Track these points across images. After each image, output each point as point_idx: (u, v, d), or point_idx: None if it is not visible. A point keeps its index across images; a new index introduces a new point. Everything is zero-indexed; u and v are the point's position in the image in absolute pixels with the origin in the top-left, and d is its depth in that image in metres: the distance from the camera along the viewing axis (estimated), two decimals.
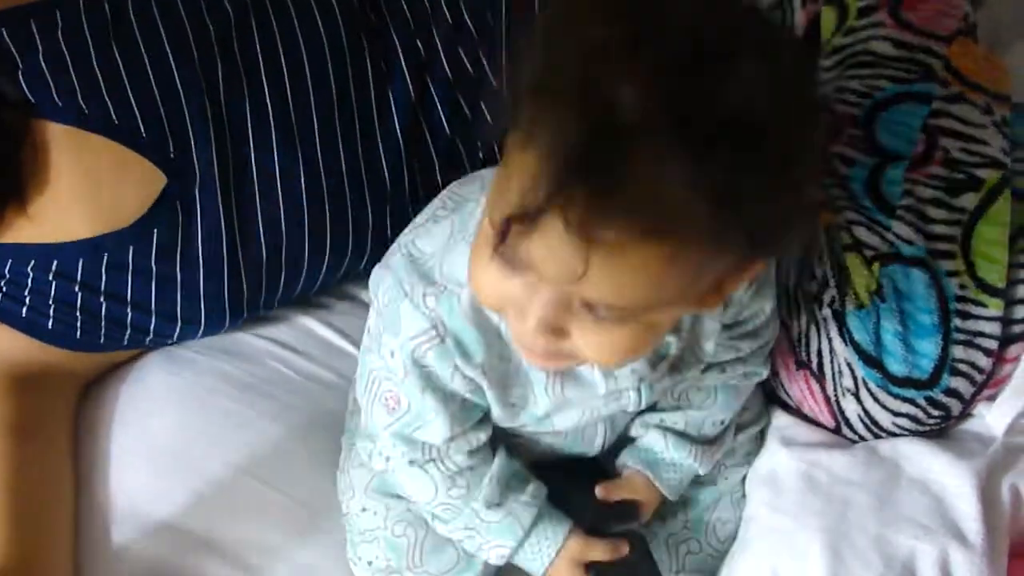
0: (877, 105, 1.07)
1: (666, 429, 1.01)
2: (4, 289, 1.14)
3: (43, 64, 1.08)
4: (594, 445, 1.02)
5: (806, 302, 1.05)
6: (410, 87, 1.16)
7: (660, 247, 0.66)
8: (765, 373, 1.03)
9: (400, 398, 0.92)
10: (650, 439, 1.01)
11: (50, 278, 1.13)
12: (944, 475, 1.01)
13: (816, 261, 1.05)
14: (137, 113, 1.09)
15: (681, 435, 1.00)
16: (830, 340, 1.04)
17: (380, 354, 0.91)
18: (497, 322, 0.86)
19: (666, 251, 0.67)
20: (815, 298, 1.05)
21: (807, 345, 1.05)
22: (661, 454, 1.01)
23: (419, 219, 0.94)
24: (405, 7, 1.18)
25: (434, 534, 1.02)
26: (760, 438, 1.09)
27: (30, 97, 1.09)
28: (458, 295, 0.85)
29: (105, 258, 1.13)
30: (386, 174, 1.17)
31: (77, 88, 1.08)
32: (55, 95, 1.08)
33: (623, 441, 1.04)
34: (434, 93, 1.17)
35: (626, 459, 1.02)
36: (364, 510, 1.05)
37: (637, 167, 0.63)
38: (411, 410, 0.91)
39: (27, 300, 1.14)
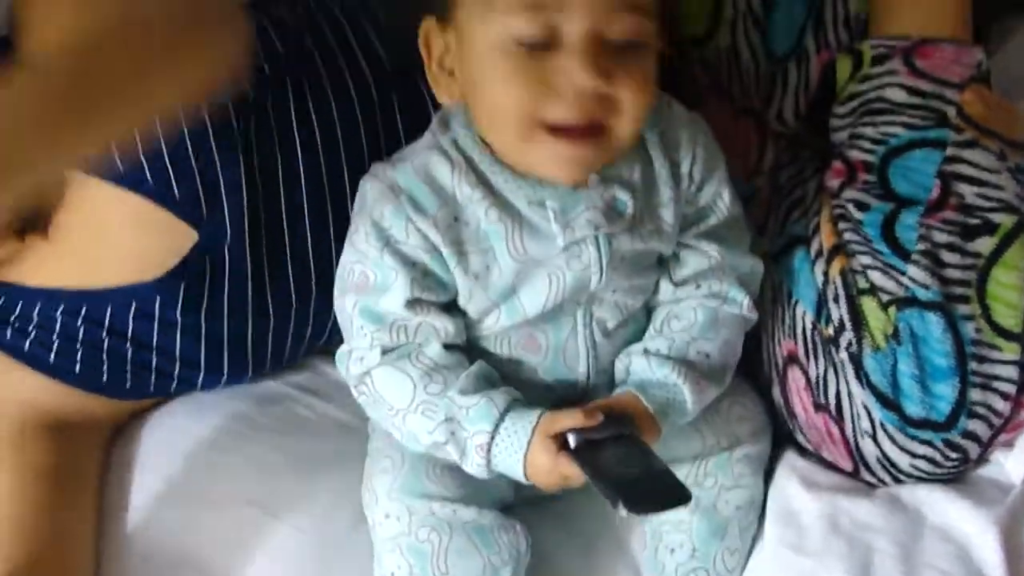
0: (891, 152, 1.08)
1: (648, 352, 1.00)
2: (33, 334, 1.15)
3: None
4: (578, 368, 1.01)
5: (824, 345, 1.06)
6: None
7: None
8: (743, 302, 1.01)
9: (367, 273, 0.96)
10: (635, 364, 1.00)
11: (79, 323, 1.14)
12: (966, 523, 1.01)
13: (833, 305, 1.06)
14: (171, 172, 1.09)
15: (664, 356, 0.99)
16: (848, 383, 1.05)
17: (350, 242, 0.97)
18: (451, 187, 0.94)
19: None
20: (832, 341, 1.05)
21: (825, 389, 1.06)
22: (645, 374, 0.98)
23: None
24: None
25: (459, 538, 0.99)
26: (755, 462, 1.08)
27: None
28: (411, 161, 0.96)
29: (133, 307, 1.14)
30: None
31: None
32: None
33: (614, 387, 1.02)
34: None
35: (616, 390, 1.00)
36: (387, 516, 1.02)
37: None
38: (375, 276, 0.95)
39: (55, 345, 1.15)
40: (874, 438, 1.04)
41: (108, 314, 1.13)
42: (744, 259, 1.03)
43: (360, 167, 1.10)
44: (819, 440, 1.08)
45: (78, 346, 1.14)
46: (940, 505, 1.03)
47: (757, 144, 1.18)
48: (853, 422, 1.05)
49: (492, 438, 0.93)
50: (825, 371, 1.06)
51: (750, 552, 1.08)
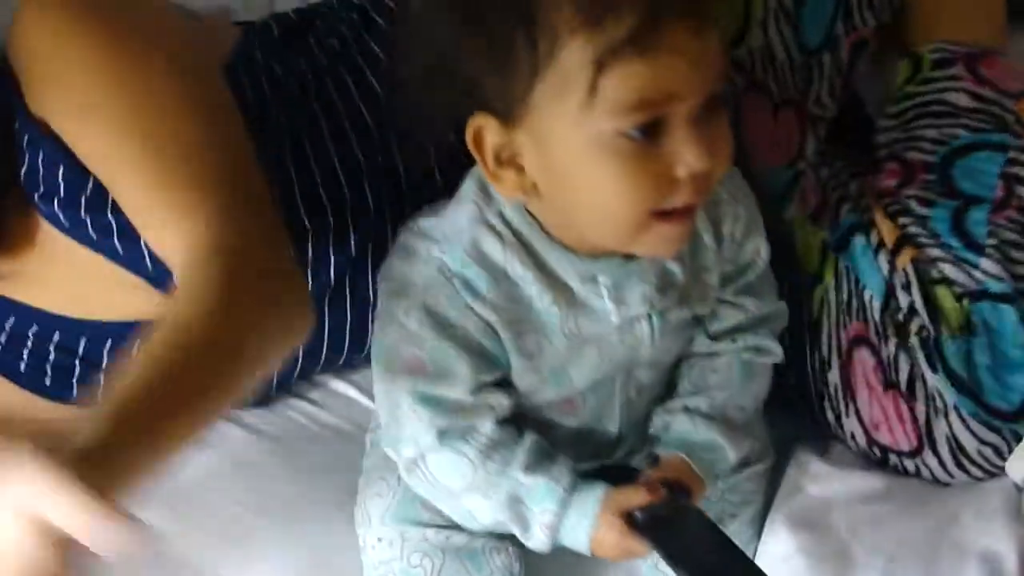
0: (954, 152, 1.12)
1: (690, 411, 0.99)
2: (3, 343, 1.11)
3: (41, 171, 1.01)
4: (611, 425, 1.01)
5: (895, 328, 1.07)
6: None
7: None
8: (777, 352, 1.03)
9: (422, 359, 0.91)
10: (678, 424, 0.99)
11: (50, 348, 1.10)
12: (987, 535, 1.03)
13: (902, 293, 1.08)
14: (145, 253, 1.03)
15: (707, 416, 0.99)
16: (920, 367, 1.06)
17: (396, 323, 0.92)
18: (503, 263, 0.90)
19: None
20: (902, 327, 1.07)
21: (897, 369, 1.07)
22: (691, 436, 0.98)
23: None
24: None
25: (451, 563, 0.98)
26: (762, 479, 1.08)
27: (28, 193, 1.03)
28: (460, 241, 0.90)
29: (109, 343, 1.09)
30: None
31: (87, 221, 1.02)
32: (56, 208, 1.02)
33: (645, 440, 1.02)
34: None
35: (659, 449, 1.00)
36: (380, 540, 1.01)
37: None
38: (433, 363, 0.91)
39: (25, 359, 1.11)
40: (947, 418, 1.06)
41: (81, 345, 1.10)
42: (774, 306, 1.04)
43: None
44: (880, 419, 1.09)
45: (48, 368, 1.11)
46: (962, 516, 1.05)
47: (799, 131, 1.19)
48: (927, 402, 1.06)
49: (560, 519, 0.93)
50: (896, 353, 1.07)
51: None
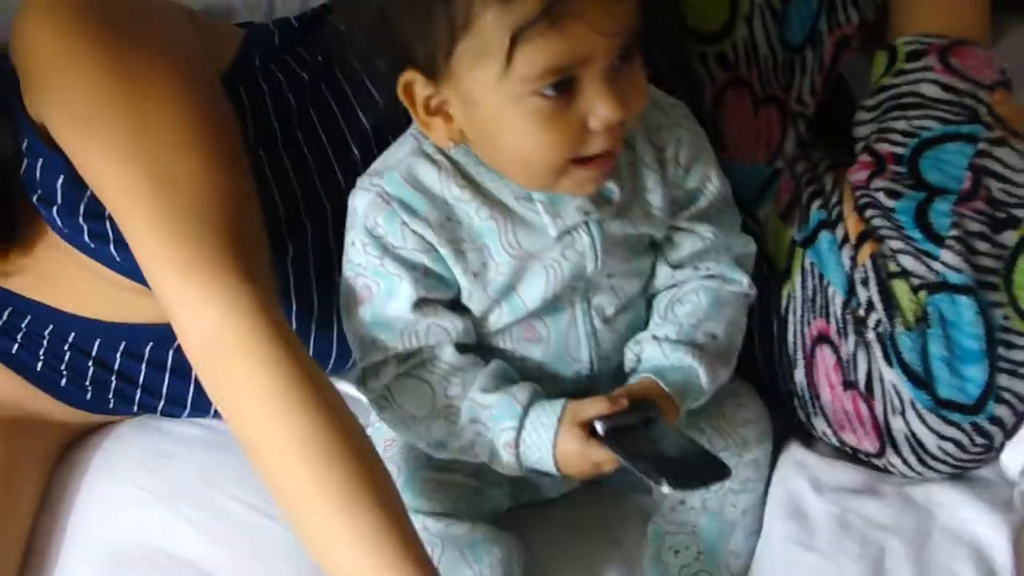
0: (924, 143, 1.10)
1: (658, 339, 0.99)
2: (20, 341, 1.12)
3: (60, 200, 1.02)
4: (581, 358, 1.01)
5: (855, 325, 1.06)
6: None
7: None
8: (742, 281, 1.03)
9: (369, 285, 0.95)
10: (647, 352, 0.99)
11: (65, 348, 1.12)
12: (977, 524, 1.02)
13: (861, 288, 1.06)
14: None
15: (675, 341, 0.99)
16: (877, 362, 1.05)
17: (347, 260, 0.97)
18: (440, 188, 0.94)
19: None
20: (862, 322, 1.06)
21: (855, 367, 1.06)
22: (660, 360, 0.98)
23: None
24: None
25: (450, 553, 0.99)
26: (762, 466, 1.08)
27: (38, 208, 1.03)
28: (398, 169, 0.95)
29: (123, 346, 1.12)
30: None
31: (84, 228, 1.02)
32: (54, 213, 1.02)
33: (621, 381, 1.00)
34: None
35: (631, 380, 0.99)
36: None
37: None
38: (378, 284, 0.95)
39: (42, 357, 1.12)
40: (904, 416, 1.04)
41: (96, 346, 1.12)
42: (738, 239, 1.05)
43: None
44: (843, 420, 1.07)
45: (63, 368, 1.12)
46: (951, 505, 1.04)
47: (780, 128, 1.19)
48: (884, 400, 1.05)
49: (519, 434, 0.93)
50: (855, 350, 1.06)
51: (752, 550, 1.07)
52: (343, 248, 0.99)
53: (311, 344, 1.11)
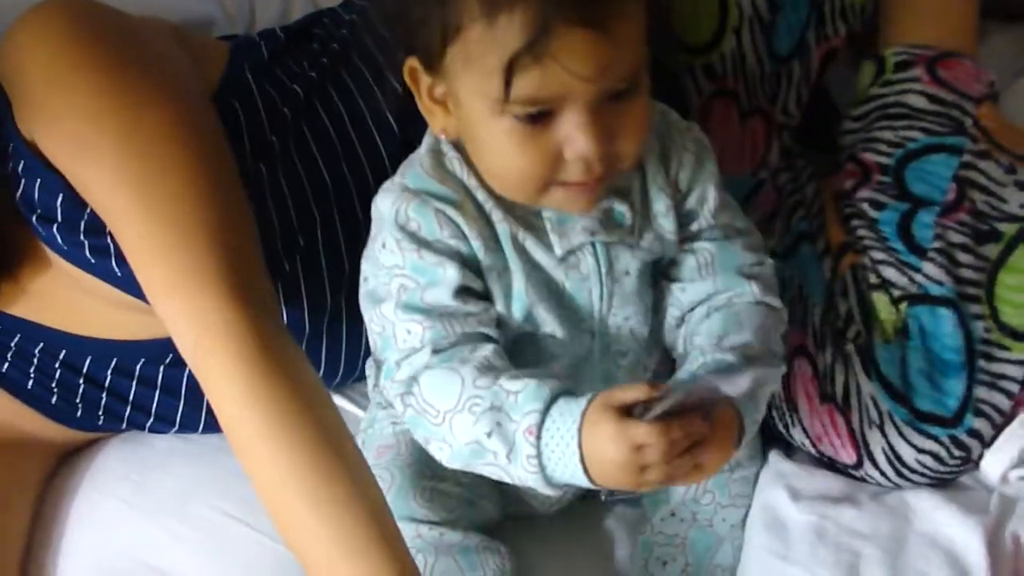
0: (909, 154, 1.11)
1: (686, 353, 0.96)
2: (10, 360, 1.13)
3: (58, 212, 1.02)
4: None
5: (833, 337, 1.07)
6: None
7: (635, 13, 0.84)
8: (751, 289, 0.96)
9: (406, 284, 0.92)
10: (681, 372, 0.94)
11: (56, 365, 1.12)
12: (952, 527, 1.02)
13: (840, 299, 1.07)
14: None
15: (705, 350, 0.94)
16: (855, 375, 1.05)
17: (376, 264, 0.94)
18: (461, 175, 0.93)
19: (635, 18, 0.84)
20: (840, 333, 1.06)
21: (832, 379, 1.06)
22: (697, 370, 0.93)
23: None
24: None
25: (444, 560, 0.98)
26: (751, 482, 1.08)
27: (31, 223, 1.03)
28: (420, 163, 0.94)
29: (113, 363, 1.12)
30: None
31: (85, 244, 1.02)
32: (54, 231, 1.02)
33: None
34: None
35: None
36: None
37: None
38: (416, 277, 0.91)
39: (32, 375, 1.13)
40: (881, 429, 1.04)
41: (86, 364, 1.12)
42: (745, 255, 1.00)
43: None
44: (821, 432, 1.08)
45: (54, 386, 1.13)
46: (927, 511, 1.04)
47: (764, 140, 1.19)
48: (860, 412, 1.05)
49: (543, 417, 0.84)
50: (833, 362, 1.06)
51: None
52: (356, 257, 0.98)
53: (322, 352, 1.12)
